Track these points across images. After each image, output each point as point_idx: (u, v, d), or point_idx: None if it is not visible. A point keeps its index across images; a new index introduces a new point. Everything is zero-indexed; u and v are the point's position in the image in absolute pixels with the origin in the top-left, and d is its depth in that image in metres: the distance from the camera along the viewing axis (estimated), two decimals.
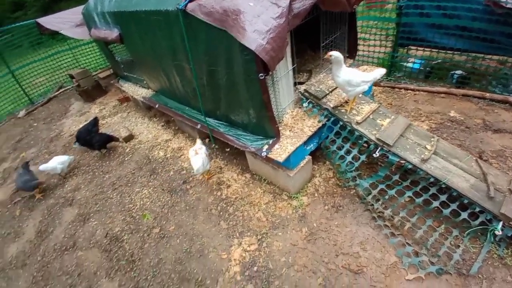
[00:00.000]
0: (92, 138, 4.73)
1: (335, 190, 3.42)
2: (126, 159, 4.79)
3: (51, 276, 3.19)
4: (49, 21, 6.43)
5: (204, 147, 3.71)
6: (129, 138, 5.26)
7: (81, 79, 6.98)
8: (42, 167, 4.33)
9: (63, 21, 6.25)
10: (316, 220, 3.11)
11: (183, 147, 4.71)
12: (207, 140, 4.72)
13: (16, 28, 7.72)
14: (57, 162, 4.42)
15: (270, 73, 2.68)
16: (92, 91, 7.16)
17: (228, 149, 4.38)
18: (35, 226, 3.90)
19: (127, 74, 5.65)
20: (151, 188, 4.03)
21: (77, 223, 3.74)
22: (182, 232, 3.31)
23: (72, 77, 7.16)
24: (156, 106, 4.78)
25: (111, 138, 4.91)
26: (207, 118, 3.84)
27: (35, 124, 6.88)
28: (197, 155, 3.54)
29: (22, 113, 7.62)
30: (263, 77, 2.66)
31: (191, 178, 4.05)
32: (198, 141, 3.82)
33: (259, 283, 2.66)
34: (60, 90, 8.28)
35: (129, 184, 4.20)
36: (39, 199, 4.32)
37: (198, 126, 3.95)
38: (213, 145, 4.12)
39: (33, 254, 3.51)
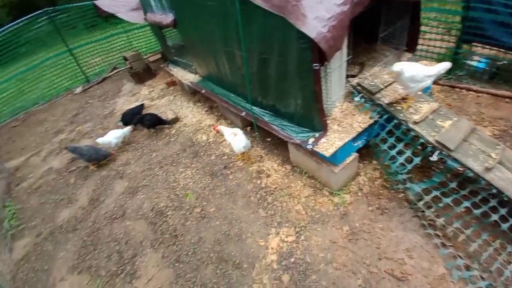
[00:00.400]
0: (144, 117, 5.05)
1: (381, 191, 3.28)
2: (172, 140, 5.03)
3: (100, 241, 3.50)
4: (107, 4, 6.84)
5: (240, 131, 3.79)
6: (175, 120, 5.50)
7: (134, 61, 7.40)
8: (100, 140, 4.74)
9: (120, 5, 6.61)
10: (359, 220, 3.02)
11: None
12: (248, 128, 4.77)
13: (73, 9, 8.28)
14: (113, 137, 4.82)
15: (326, 63, 2.58)
16: (143, 73, 7.57)
17: (270, 139, 4.39)
18: (88, 194, 4.30)
19: (176, 59, 5.87)
20: (194, 170, 4.20)
21: (127, 195, 4.04)
22: (221, 215, 3.42)
23: (125, 59, 7.61)
24: (203, 92, 4.92)
25: (161, 121, 5.19)
26: (252, 107, 3.86)
27: (91, 101, 7.50)
28: (237, 136, 3.66)
29: (78, 89, 8.33)
30: (317, 68, 2.59)
31: (231, 164, 4.14)
32: (236, 129, 3.92)
33: (296, 274, 2.67)
34: (114, 71, 8.86)
35: (174, 164, 4.42)
36: (92, 170, 4.73)
37: (243, 114, 3.99)
38: (255, 133, 4.15)
39: (85, 220, 3.87)
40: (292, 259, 2.79)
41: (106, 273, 3.08)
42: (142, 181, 4.23)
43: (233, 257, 2.94)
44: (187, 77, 5.51)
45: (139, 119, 5.12)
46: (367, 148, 3.52)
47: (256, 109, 3.84)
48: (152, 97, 6.78)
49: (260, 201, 3.49)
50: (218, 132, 4.24)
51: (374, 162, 3.60)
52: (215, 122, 5.21)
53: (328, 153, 2.86)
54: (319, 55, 2.50)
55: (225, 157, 4.30)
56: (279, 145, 4.21)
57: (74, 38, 8.81)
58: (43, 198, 4.44)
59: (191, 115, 5.63)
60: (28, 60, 8.61)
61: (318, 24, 2.31)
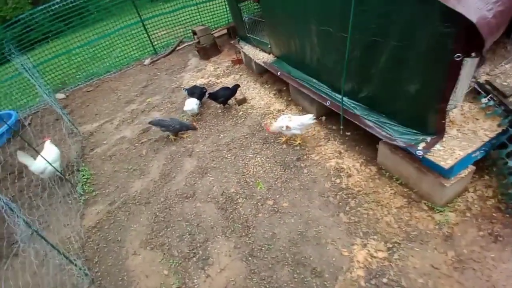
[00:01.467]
0: (218, 92, 5.05)
1: (494, 214, 2.70)
2: (239, 122, 4.85)
3: (172, 219, 3.50)
4: None
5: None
6: (242, 101, 5.29)
7: (202, 36, 7.28)
8: (186, 108, 5.01)
9: None
10: (467, 246, 2.52)
11: None
12: (323, 118, 4.35)
13: None
14: (194, 103, 4.99)
15: (473, 55, 2.03)
16: (210, 49, 7.44)
17: (349, 133, 3.94)
18: (159, 168, 4.36)
19: (250, 36, 5.55)
20: (264, 157, 3.98)
21: (196, 175, 3.99)
22: (296, 212, 3.17)
23: (194, 33, 7.53)
24: (278, 74, 4.57)
25: (233, 93, 5.12)
26: (342, 96, 3.41)
27: (158, 73, 7.65)
28: (292, 121, 3.67)
29: (147, 61, 8.56)
30: (459, 59, 2.04)
31: (305, 157, 3.81)
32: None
33: None
34: (181, 45, 8.89)
35: (242, 148, 4.24)
36: (175, 139, 4.77)
37: (327, 103, 3.57)
38: (331, 125, 3.69)
39: (156, 194, 3.91)
40: (385, 280, 2.43)
41: (178, 254, 3.07)
42: (211, 162, 4.15)
43: (312, 263, 2.69)
44: (260, 56, 5.18)
45: (212, 94, 5.12)
46: (483, 161, 2.90)
47: (345, 99, 3.39)
48: (218, 74, 6.64)
49: (340, 203, 3.14)
50: (272, 133, 4.13)
51: (486, 177, 2.97)
52: (285, 108, 4.88)
53: (446, 164, 2.36)
54: (465, 44, 1.96)
55: (298, 147, 3.99)
56: (360, 142, 3.75)
57: (147, 9, 8.96)
58: (116, 166, 4.63)
59: (258, 97, 5.37)
60: (96, 28, 9.04)
61: (483, 6, 1.77)
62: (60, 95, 7.81)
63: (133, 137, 5.27)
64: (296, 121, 3.77)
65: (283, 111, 4.81)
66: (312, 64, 3.85)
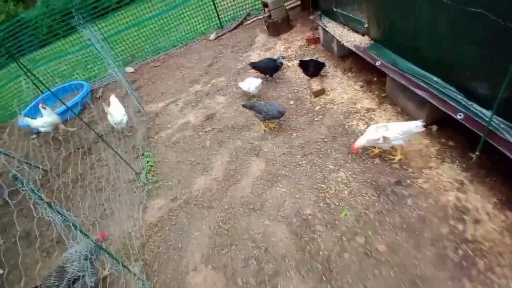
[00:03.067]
0: (309, 63, 4.63)
1: None
2: (316, 119, 4.06)
3: (236, 234, 3.04)
4: None
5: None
6: (320, 93, 4.43)
7: (274, 9, 6.36)
8: (245, 88, 4.80)
9: None
10: None
11: None
12: (434, 127, 3.30)
13: None
14: (255, 86, 4.69)
15: None
16: (281, 24, 6.52)
17: (475, 155, 2.87)
18: (223, 165, 3.91)
19: (337, 11, 4.48)
20: (349, 172, 3.20)
21: (265, 182, 3.43)
22: (398, 263, 2.40)
23: (265, 5, 6.64)
24: (377, 64, 3.55)
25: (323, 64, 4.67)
26: (487, 111, 2.35)
27: (224, 50, 7.08)
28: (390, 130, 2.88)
29: (212, 36, 8.03)
30: None
31: (408, 181, 2.92)
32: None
33: None
34: (248, 19, 8.10)
35: (321, 156, 3.50)
36: (271, 130, 4.15)
37: (459, 116, 2.54)
38: (476, 153, 2.62)
39: (220, 198, 3.47)
40: None
41: (243, 284, 2.62)
42: (282, 168, 3.52)
43: None
44: (350, 37, 4.14)
45: (303, 64, 4.70)
46: None
47: (494, 117, 2.33)
48: (289, 55, 5.77)
49: (464, 262, 2.27)
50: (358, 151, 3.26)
51: None
52: (376, 106, 3.89)
53: None
54: None
55: (397, 165, 3.09)
56: (493, 170, 2.69)
57: None
58: (180, 156, 4.34)
59: (341, 89, 4.43)
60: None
61: None
62: (129, 69, 7.88)
63: (197, 123, 4.90)
64: (397, 129, 2.86)
65: (373, 110, 3.84)
66: (434, 55, 2.76)
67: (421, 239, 2.48)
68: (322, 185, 3.17)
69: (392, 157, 3.16)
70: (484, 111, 2.35)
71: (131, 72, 7.73)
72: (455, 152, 2.99)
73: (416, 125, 2.81)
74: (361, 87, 4.32)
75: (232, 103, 5.04)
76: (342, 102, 4.17)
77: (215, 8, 8.04)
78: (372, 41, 3.84)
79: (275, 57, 5.09)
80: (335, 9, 4.57)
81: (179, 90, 6.13)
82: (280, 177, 3.43)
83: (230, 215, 3.25)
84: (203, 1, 8.23)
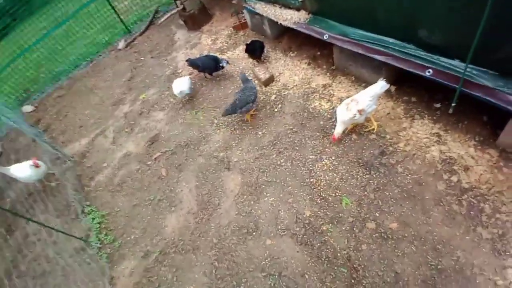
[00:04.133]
0: (254, 44, 4.28)
1: None
2: (276, 110, 3.74)
3: (240, 269, 2.58)
4: None
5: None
6: (269, 80, 4.11)
7: (186, 0, 5.67)
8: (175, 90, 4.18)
9: None
10: None
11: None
12: (392, 88, 3.30)
13: None
14: (187, 86, 4.19)
15: None
16: (198, 15, 5.87)
17: (439, 105, 2.96)
18: (192, 193, 3.32)
19: None
20: (333, 157, 3.00)
21: (248, 197, 3.01)
22: (414, 235, 2.31)
23: None
24: (325, 37, 3.34)
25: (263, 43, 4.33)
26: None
27: (142, 58, 6.11)
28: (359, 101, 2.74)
29: (121, 44, 6.88)
30: None
31: (390, 148, 2.86)
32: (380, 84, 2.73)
33: None
34: (161, 18, 7.09)
35: (297, 148, 3.22)
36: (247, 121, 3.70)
37: (428, 73, 2.49)
38: (453, 104, 2.60)
39: (204, 233, 2.92)
40: None
41: None
42: (262, 174, 3.14)
43: None
44: (286, 15, 3.85)
45: (250, 48, 4.33)
46: None
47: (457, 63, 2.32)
48: (221, 48, 5.25)
49: (471, 212, 2.30)
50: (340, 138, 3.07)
51: None
52: (331, 81, 3.75)
53: None
54: None
55: (374, 136, 3.01)
56: (464, 117, 2.79)
57: None
58: (133, 199, 3.55)
59: (289, 72, 4.17)
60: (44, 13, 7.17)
61: None
62: (27, 108, 6.25)
63: (140, 152, 4.10)
64: (366, 97, 2.74)
65: (330, 86, 3.70)
66: (391, 17, 2.65)
67: (424, 202, 2.44)
68: (311, 180, 2.91)
69: (367, 128, 3.07)
70: (454, 62, 2.33)
71: (31, 112, 6.15)
72: (420, 107, 3.03)
73: (381, 86, 2.73)
74: (308, 64, 4.13)
75: (175, 116, 4.35)
76: (296, 85, 3.93)
77: (115, 11, 6.87)
78: (310, 15, 3.62)
79: (220, 57, 4.42)
80: None
81: (101, 117, 5.07)
82: (263, 186, 3.05)
83: (223, 249, 2.75)
84: (98, 7, 6.96)
